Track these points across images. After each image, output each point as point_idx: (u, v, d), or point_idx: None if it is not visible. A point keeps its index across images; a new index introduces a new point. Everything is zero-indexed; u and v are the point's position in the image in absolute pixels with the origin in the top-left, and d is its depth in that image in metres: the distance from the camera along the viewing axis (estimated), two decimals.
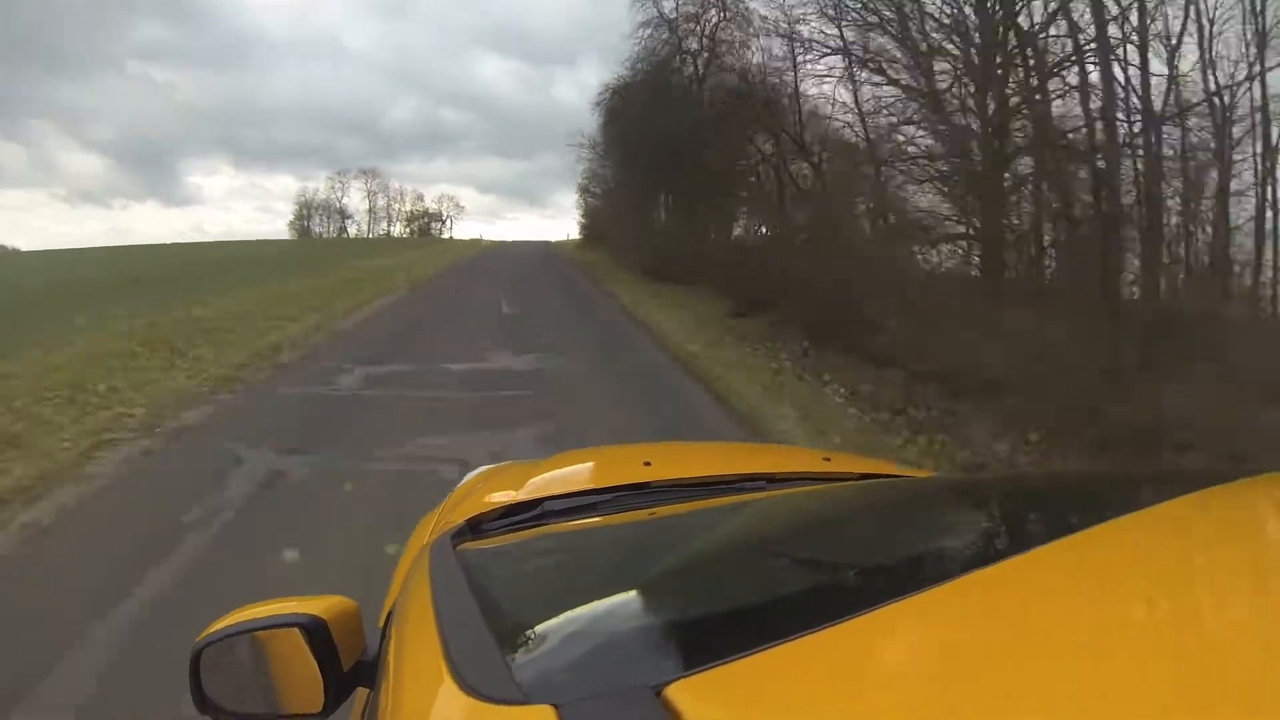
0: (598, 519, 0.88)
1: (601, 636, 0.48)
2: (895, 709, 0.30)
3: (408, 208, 61.50)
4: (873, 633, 0.36)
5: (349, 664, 0.65)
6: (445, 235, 58.42)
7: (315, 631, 0.63)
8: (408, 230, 60.76)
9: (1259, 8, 5.57)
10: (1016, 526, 0.61)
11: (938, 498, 0.83)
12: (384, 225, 59.68)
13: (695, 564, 0.64)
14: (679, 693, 0.32)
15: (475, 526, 0.87)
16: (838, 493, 0.95)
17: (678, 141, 12.09)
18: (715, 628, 0.46)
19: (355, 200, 66.32)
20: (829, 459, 1.19)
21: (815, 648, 0.35)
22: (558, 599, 0.59)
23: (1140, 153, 5.74)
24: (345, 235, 57.23)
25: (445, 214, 62.01)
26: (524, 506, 0.93)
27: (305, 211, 59.51)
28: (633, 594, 0.55)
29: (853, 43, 8.00)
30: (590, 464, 1.16)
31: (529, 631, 0.51)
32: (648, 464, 1.05)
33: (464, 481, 1.25)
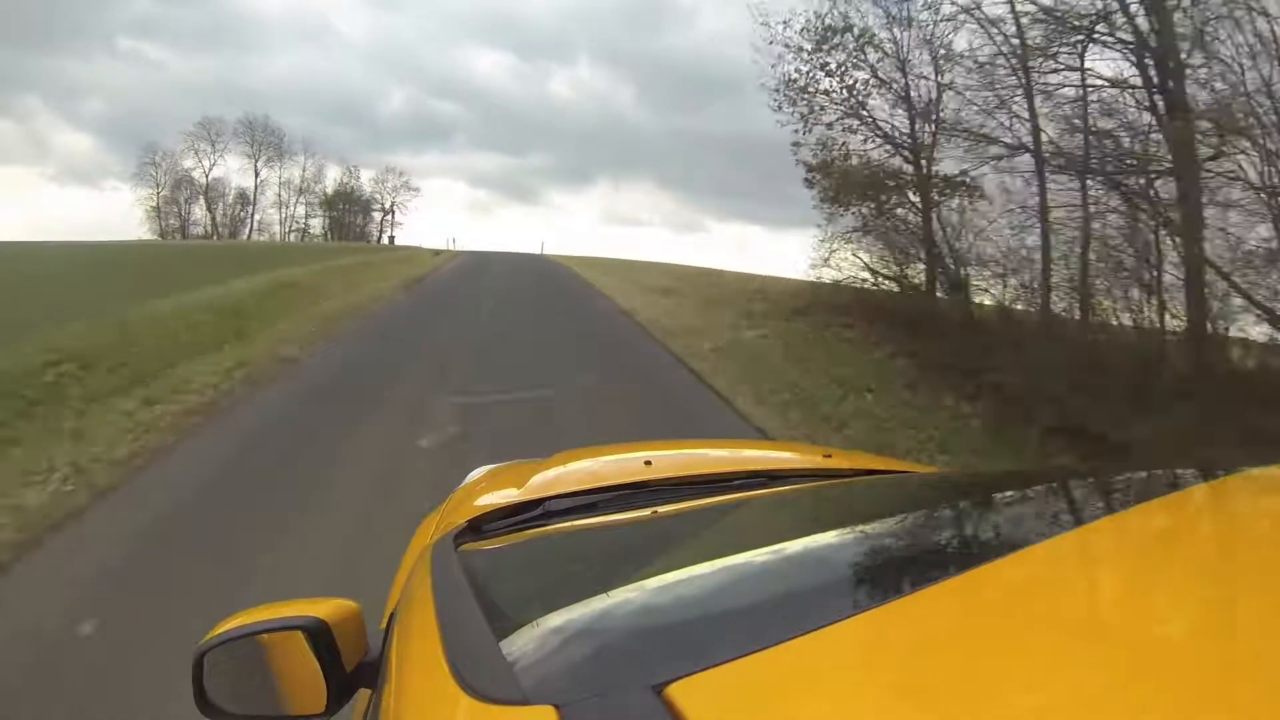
0: (599, 518, 0.88)
1: (602, 636, 0.48)
2: (898, 707, 0.30)
3: (330, 188, 38.63)
4: (875, 630, 0.36)
5: (351, 665, 0.65)
6: (386, 240, 37.49)
7: (318, 633, 0.63)
8: (324, 228, 38.92)
9: None
10: (1021, 521, 0.60)
11: (940, 494, 0.83)
12: (303, 212, 38.81)
13: (696, 563, 0.64)
14: (681, 692, 0.32)
15: (477, 527, 0.87)
16: (839, 490, 0.95)
17: None
18: (717, 627, 0.46)
19: (236, 169, 42.65)
20: (829, 455, 1.19)
21: (818, 646, 0.35)
22: (559, 599, 0.59)
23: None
24: (228, 234, 36.96)
25: (387, 201, 39.31)
26: (525, 506, 0.93)
27: (171, 191, 36.14)
28: (634, 593, 0.55)
29: None
30: (591, 463, 1.16)
31: (530, 631, 0.51)
32: (648, 463, 1.05)
33: (465, 482, 1.25)
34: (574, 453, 1.20)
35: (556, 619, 0.53)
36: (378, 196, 41.70)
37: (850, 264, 8.77)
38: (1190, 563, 0.40)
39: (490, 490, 1.06)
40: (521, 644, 0.48)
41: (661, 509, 0.88)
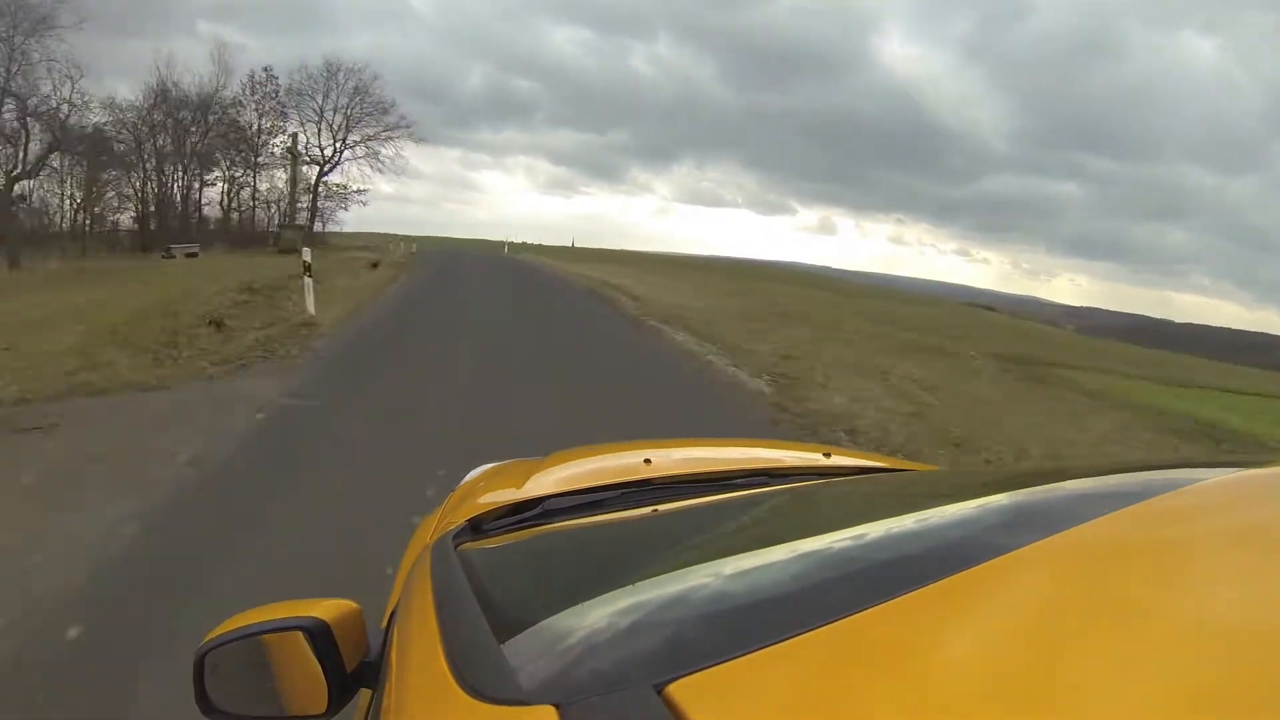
0: (598, 517, 0.88)
1: (602, 635, 0.48)
2: (899, 706, 0.30)
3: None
4: (875, 629, 0.36)
5: (352, 665, 0.65)
6: (283, 237, 20.38)
7: (318, 634, 0.63)
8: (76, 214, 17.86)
9: None
10: (1022, 519, 0.60)
11: (940, 491, 0.83)
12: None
13: (696, 562, 0.64)
14: (681, 691, 0.32)
15: (476, 526, 0.87)
16: (838, 488, 0.95)
17: None
18: (717, 625, 0.46)
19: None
20: (829, 454, 1.19)
21: (818, 644, 0.35)
22: (558, 598, 0.59)
23: None
24: None
25: (296, 140, 21.00)
26: (525, 505, 0.93)
27: None
28: (633, 592, 0.55)
29: None
30: (590, 462, 1.16)
31: (530, 631, 0.51)
32: (648, 461, 1.05)
33: (465, 481, 1.25)
34: (573, 451, 1.20)
35: (556, 618, 0.53)
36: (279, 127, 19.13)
37: None
38: (1193, 561, 0.40)
39: (489, 489, 1.06)
40: (521, 643, 0.48)
41: (661, 508, 0.88)
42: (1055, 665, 0.30)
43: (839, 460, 1.17)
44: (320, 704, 0.63)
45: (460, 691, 0.41)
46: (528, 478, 1.03)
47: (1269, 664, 0.28)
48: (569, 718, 0.34)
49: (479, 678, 0.41)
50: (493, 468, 1.29)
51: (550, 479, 1.02)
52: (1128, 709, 0.27)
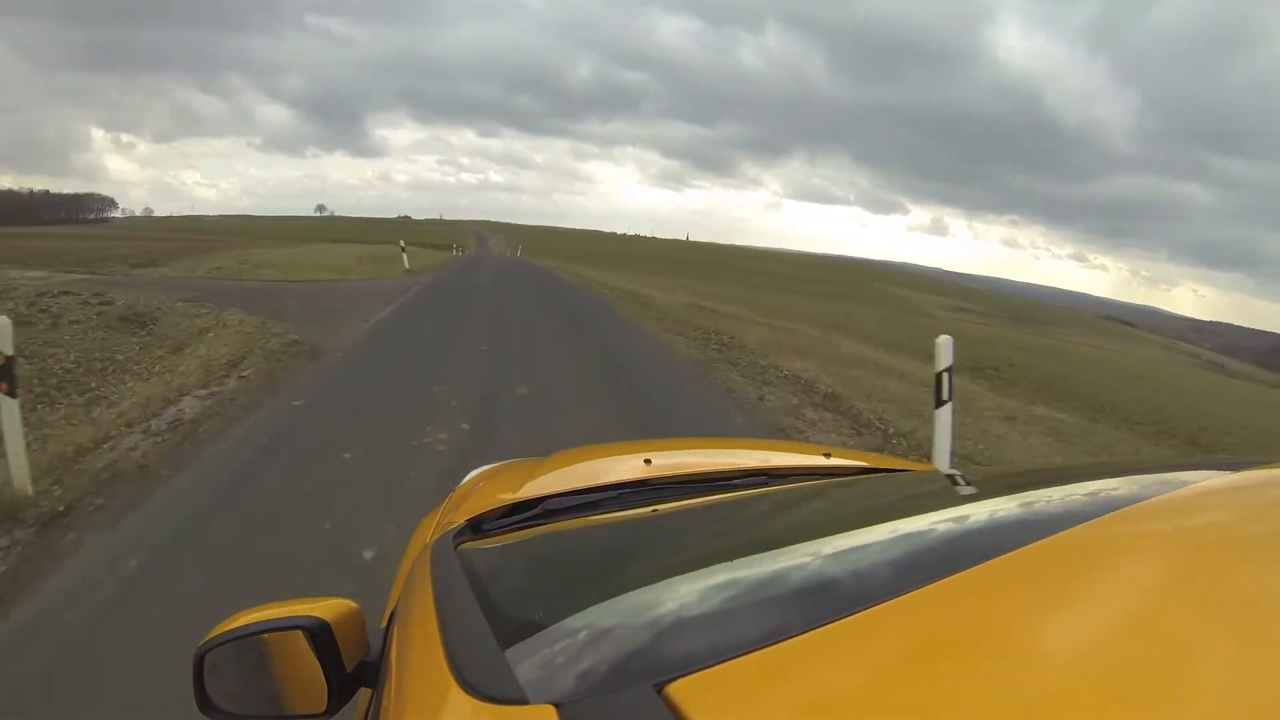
0: (598, 517, 0.88)
1: (602, 635, 0.48)
2: (898, 705, 0.30)
3: None
4: (875, 629, 0.36)
5: (352, 664, 0.65)
6: None
7: (318, 633, 0.63)
8: None
9: None
10: (1021, 519, 0.60)
11: (939, 492, 0.83)
12: None
13: (695, 562, 0.64)
14: (680, 691, 0.32)
15: (476, 526, 0.87)
16: (838, 488, 0.95)
17: None
18: (717, 625, 0.46)
19: None
20: (829, 454, 1.19)
21: (817, 644, 0.35)
22: (559, 598, 0.59)
23: None
24: None
25: None
26: (525, 505, 0.93)
27: None
28: (633, 592, 0.55)
29: None
30: (590, 462, 1.16)
31: (530, 631, 0.51)
32: (648, 461, 1.05)
33: (465, 481, 1.25)
34: (573, 452, 1.20)
35: (556, 618, 0.53)
36: None
37: None
38: (1194, 560, 0.40)
39: (489, 489, 1.06)
40: (521, 643, 0.48)
41: (661, 508, 0.88)
42: (1055, 663, 0.30)
43: (838, 461, 1.17)
44: (320, 703, 0.63)
45: (460, 691, 0.41)
46: (528, 478, 1.03)
47: (1271, 666, 0.28)
48: (569, 718, 0.34)
49: (479, 677, 0.41)
50: (493, 468, 1.29)
51: (550, 479, 1.02)
52: (1130, 706, 0.27)
